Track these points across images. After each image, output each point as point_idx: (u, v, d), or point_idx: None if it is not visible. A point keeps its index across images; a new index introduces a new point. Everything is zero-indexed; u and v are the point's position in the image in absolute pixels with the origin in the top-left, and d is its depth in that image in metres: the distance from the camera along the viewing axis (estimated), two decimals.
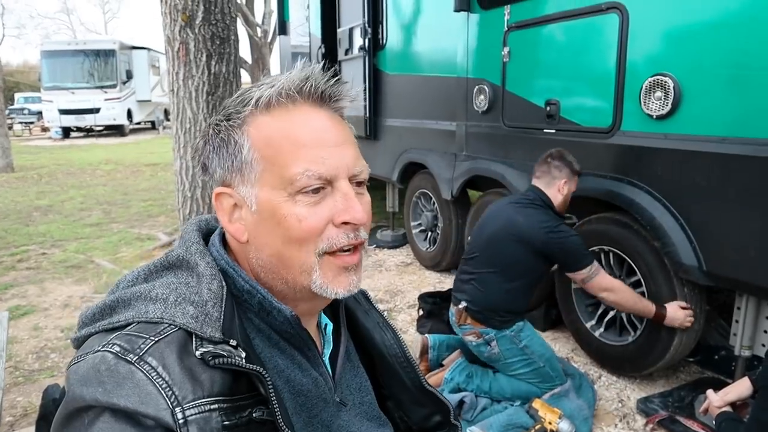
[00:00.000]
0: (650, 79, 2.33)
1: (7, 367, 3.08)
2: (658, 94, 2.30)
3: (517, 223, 2.48)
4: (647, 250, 2.50)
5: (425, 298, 3.47)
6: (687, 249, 2.28)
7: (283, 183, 0.66)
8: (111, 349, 0.59)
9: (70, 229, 6.28)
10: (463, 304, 2.57)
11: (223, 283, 0.68)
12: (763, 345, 2.30)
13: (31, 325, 3.62)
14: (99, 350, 0.60)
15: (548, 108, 2.91)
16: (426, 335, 2.93)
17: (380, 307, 3.79)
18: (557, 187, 2.54)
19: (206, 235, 0.77)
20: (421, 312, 3.44)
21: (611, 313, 2.82)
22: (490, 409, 2.51)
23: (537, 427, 2.29)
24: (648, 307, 2.43)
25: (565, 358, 3.07)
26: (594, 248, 2.75)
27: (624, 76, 2.47)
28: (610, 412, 2.56)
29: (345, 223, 0.67)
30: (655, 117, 2.33)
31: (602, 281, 2.43)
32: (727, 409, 1.82)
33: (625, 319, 2.76)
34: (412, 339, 2.99)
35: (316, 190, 0.67)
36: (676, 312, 2.41)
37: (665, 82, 2.26)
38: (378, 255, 5.11)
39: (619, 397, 2.67)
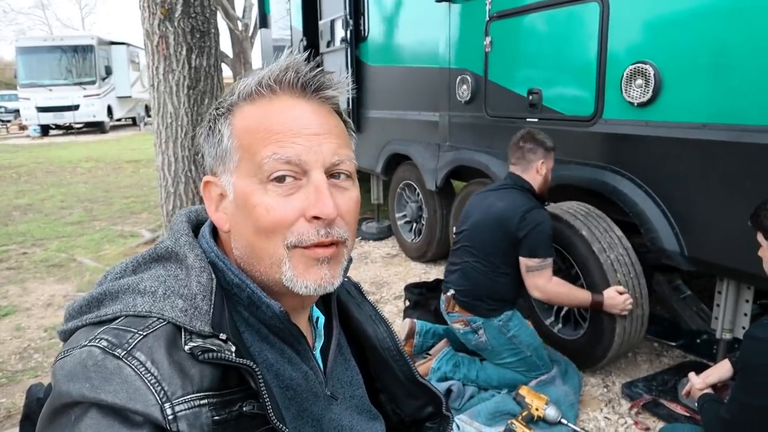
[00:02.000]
0: (631, 67, 2.34)
1: None
2: (639, 81, 2.32)
3: (498, 209, 2.49)
4: (578, 241, 2.54)
5: (411, 289, 3.48)
6: (669, 235, 2.31)
7: (254, 169, 0.65)
8: (98, 344, 0.58)
9: (51, 228, 6.18)
10: (451, 291, 2.59)
11: (213, 276, 0.67)
12: (744, 328, 2.34)
13: (13, 326, 3.57)
14: (86, 345, 0.58)
15: (530, 97, 2.92)
16: (414, 319, 2.94)
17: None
18: (535, 169, 2.54)
19: (196, 226, 0.76)
20: (407, 303, 3.45)
21: (565, 308, 2.85)
22: (477, 397, 2.53)
23: (524, 414, 2.31)
24: (584, 297, 2.44)
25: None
26: None
27: (605, 65, 2.48)
28: (595, 397, 2.59)
29: (315, 217, 0.65)
30: (636, 104, 2.35)
31: (538, 281, 2.42)
32: (709, 391, 1.86)
33: (576, 313, 2.78)
34: (399, 326, 3.00)
35: (286, 179, 0.65)
36: (614, 298, 2.41)
37: (646, 69, 2.28)
38: (363, 247, 5.11)
39: (605, 383, 2.71)
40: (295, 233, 0.65)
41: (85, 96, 19.00)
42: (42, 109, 18.93)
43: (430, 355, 2.84)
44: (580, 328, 2.75)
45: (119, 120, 22.25)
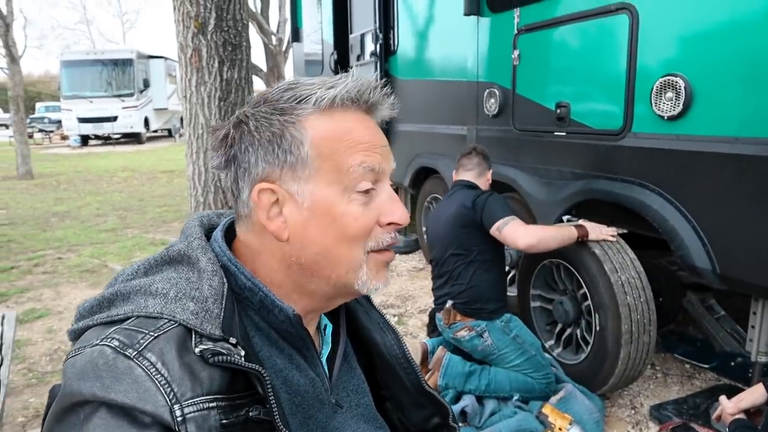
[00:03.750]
0: (661, 80, 2.29)
1: (21, 368, 3.12)
2: (669, 94, 2.27)
3: (452, 214, 2.63)
4: (589, 260, 2.51)
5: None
6: (700, 252, 2.23)
7: (338, 177, 0.67)
8: (110, 344, 0.58)
9: (86, 235, 6.36)
10: (450, 303, 2.62)
11: (224, 280, 0.67)
12: None
13: (45, 328, 3.66)
14: (97, 344, 0.59)
15: (558, 110, 2.88)
16: (424, 341, 2.91)
17: (392, 311, 3.77)
18: (486, 178, 2.80)
19: (208, 230, 0.76)
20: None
21: (568, 331, 2.79)
22: (499, 414, 2.47)
23: None
24: (569, 231, 2.50)
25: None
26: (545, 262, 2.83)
27: (634, 77, 2.44)
28: (622, 419, 2.52)
29: (390, 223, 0.70)
30: (666, 118, 2.29)
31: (516, 230, 2.43)
32: (741, 416, 1.78)
33: (578, 337, 2.71)
34: (412, 345, 2.96)
35: (368, 191, 0.69)
36: (594, 228, 2.53)
37: (676, 82, 2.23)
38: None
39: (632, 404, 2.63)
40: (373, 239, 0.70)
41: (123, 108, 19.62)
42: (83, 120, 19.61)
43: (430, 369, 2.78)
44: (581, 352, 2.67)
45: (155, 131, 22.87)
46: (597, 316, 2.49)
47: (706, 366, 2.89)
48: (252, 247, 0.72)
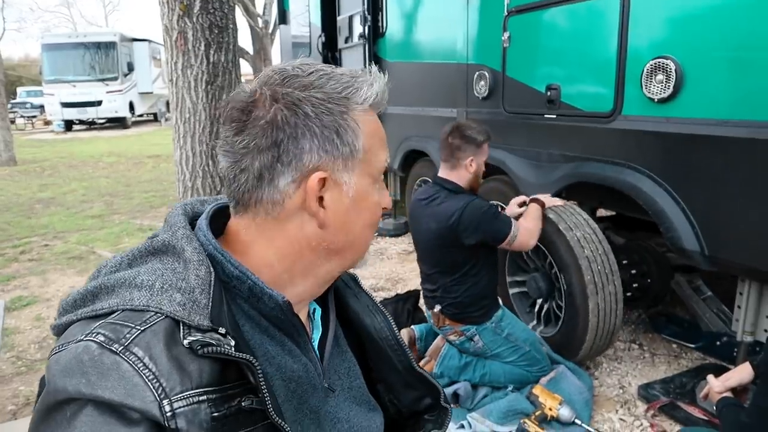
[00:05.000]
0: (651, 62, 2.29)
1: (10, 357, 3.09)
2: (660, 77, 2.27)
3: (434, 231, 2.45)
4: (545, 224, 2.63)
5: (389, 305, 3.37)
6: (689, 234, 2.25)
7: (371, 170, 0.72)
8: (95, 339, 0.56)
9: (72, 221, 6.29)
10: (438, 307, 2.56)
11: (211, 269, 0.65)
12: (765, 330, 2.29)
13: (33, 316, 3.63)
14: (82, 339, 0.57)
15: (549, 93, 2.88)
16: (411, 327, 2.91)
17: (382, 294, 3.78)
18: (464, 168, 2.47)
19: (192, 219, 0.74)
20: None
21: (545, 307, 2.90)
22: (490, 396, 2.50)
23: (537, 414, 2.28)
24: (538, 211, 2.60)
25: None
26: None
27: (625, 60, 2.43)
28: (611, 399, 2.55)
29: (383, 208, 0.77)
30: (656, 100, 2.30)
31: (522, 236, 2.43)
32: (728, 394, 1.81)
33: (555, 306, 2.82)
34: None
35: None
36: (546, 198, 2.68)
37: (667, 64, 2.23)
38: (380, 243, 5.10)
39: (620, 384, 2.66)
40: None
41: (107, 92, 19.29)
42: (66, 105, 19.27)
43: (423, 355, 2.80)
44: (559, 320, 2.76)
45: (141, 116, 22.53)
46: (563, 276, 2.61)
47: (692, 346, 2.94)
48: (249, 234, 0.70)
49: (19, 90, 29.43)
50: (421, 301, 2.97)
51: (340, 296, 0.86)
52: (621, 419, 2.40)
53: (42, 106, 22.60)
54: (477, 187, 2.59)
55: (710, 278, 3.04)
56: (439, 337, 2.76)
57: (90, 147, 14.87)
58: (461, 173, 2.48)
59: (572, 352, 2.65)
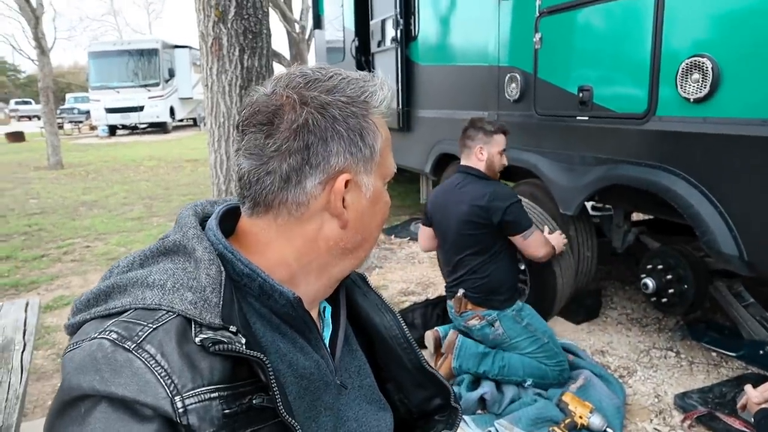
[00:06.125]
0: (687, 61, 2.22)
1: (50, 354, 3.21)
2: (696, 76, 2.20)
3: (465, 213, 2.56)
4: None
5: (417, 311, 3.37)
6: (727, 238, 2.17)
7: (385, 172, 0.74)
8: (108, 336, 0.58)
9: (113, 223, 6.49)
10: (461, 291, 2.62)
11: (222, 268, 0.66)
12: None
13: None
14: (96, 337, 0.58)
15: (581, 94, 2.82)
16: (436, 328, 2.89)
17: (413, 299, 3.77)
18: (475, 155, 2.64)
19: (202, 219, 0.75)
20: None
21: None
22: (518, 402, 2.46)
23: (567, 422, 2.24)
24: (553, 241, 2.72)
25: (600, 351, 2.99)
26: None
27: (659, 59, 2.37)
28: (645, 407, 2.48)
29: None
30: (692, 100, 2.23)
31: (537, 240, 2.56)
32: (767, 405, 1.74)
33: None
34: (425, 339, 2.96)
35: None
36: (555, 238, 2.80)
37: (703, 63, 2.16)
38: (411, 247, 5.09)
39: (656, 392, 2.59)
40: None
41: (149, 97, 19.88)
42: (110, 110, 19.92)
43: (442, 353, 2.78)
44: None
45: (181, 120, 23.13)
46: None
47: (733, 354, 2.83)
48: (268, 235, 0.71)
49: (68, 96, 30.61)
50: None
51: (350, 295, 0.86)
52: (656, 429, 2.33)
53: (88, 112, 23.41)
54: (497, 177, 2.74)
55: (752, 284, 2.92)
56: (451, 332, 2.75)
57: (132, 151, 15.33)
58: (474, 161, 2.66)
59: (543, 313, 2.81)
